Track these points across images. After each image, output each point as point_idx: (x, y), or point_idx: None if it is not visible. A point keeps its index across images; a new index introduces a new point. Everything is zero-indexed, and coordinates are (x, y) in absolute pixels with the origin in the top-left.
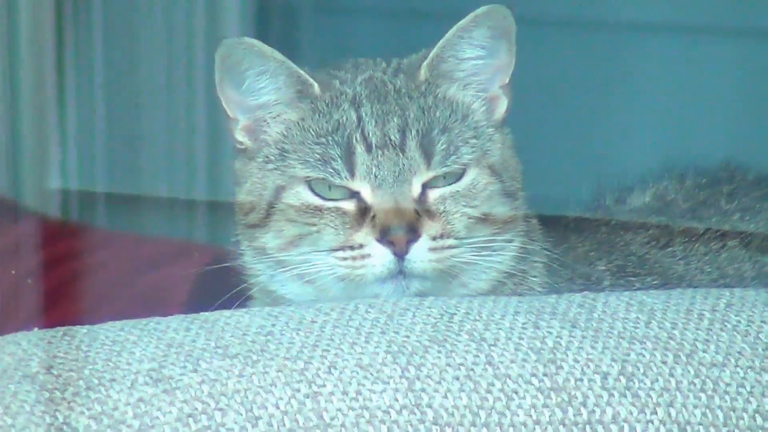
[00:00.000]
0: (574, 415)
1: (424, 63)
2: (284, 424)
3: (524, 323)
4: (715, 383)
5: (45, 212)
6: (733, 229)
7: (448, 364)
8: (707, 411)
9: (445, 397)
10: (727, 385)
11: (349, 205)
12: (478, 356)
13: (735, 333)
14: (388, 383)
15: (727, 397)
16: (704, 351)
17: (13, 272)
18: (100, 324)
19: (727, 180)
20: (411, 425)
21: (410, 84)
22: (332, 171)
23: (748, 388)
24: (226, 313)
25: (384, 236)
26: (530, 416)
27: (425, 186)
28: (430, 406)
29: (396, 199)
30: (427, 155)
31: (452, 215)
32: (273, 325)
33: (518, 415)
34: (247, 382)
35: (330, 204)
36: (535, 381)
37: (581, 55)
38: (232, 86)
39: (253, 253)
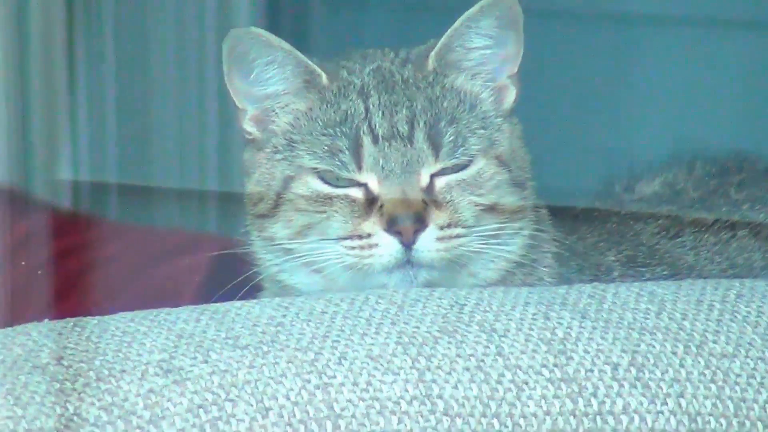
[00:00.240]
0: (584, 406)
1: (432, 53)
2: (294, 415)
3: (534, 314)
4: (726, 374)
5: (56, 204)
6: (743, 219)
7: (459, 355)
8: (717, 402)
9: (456, 387)
10: (738, 375)
11: (358, 193)
12: (488, 347)
13: (745, 324)
14: (399, 374)
15: (737, 388)
16: (714, 342)
17: (24, 263)
18: (110, 315)
19: (736, 170)
20: (421, 416)
21: (418, 74)
22: (339, 163)
23: (759, 379)
24: (237, 303)
25: (391, 226)
26: (540, 407)
27: (432, 175)
28: (440, 396)
29: (403, 189)
30: (435, 147)
31: (459, 204)
32: (283, 316)
33: (528, 406)
34: (257, 373)
35: (339, 191)
36: (545, 372)
37: (590, 45)
38: (239, 77)
39: (263, 243)
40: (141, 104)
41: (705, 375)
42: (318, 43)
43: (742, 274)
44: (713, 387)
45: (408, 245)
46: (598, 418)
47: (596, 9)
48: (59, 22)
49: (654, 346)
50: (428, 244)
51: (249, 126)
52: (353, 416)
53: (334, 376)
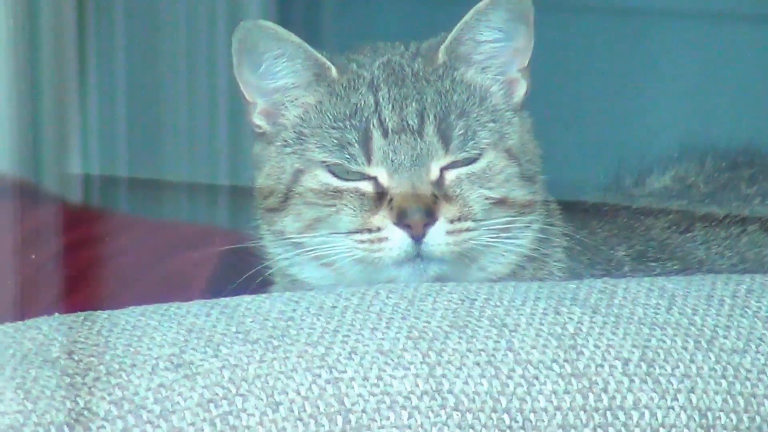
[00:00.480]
0: (594, 401)
1: (442, 46)
2: (305, 410)
3: (545, 309)
4: (736, 369)
5: (66, 197)
6: (753, 214)
7: (469, 350)
8: (728, 397)
9: (466, 382)
10: (748, 371)
11: (367, 187)
12: (498, 342)
13: (755, 319)
14: (409, 369)
15: (747, 383)
16: (725, 337)
17: (34, 257)
18: (120, 309)
19: (747, 164)
20: (432, 411)
21: (428, 67)
22: (348, 157)
23: None
24: (247, 298)
25: (401, 220)
26: (551, 402)
27: (442, 169)
28: (450, 391)
29: (413, 183)
30: (445, 140)
31: (469, 198)
32: (294, 311)
33: (539, 401)
34: (267, 367)
35: (348, 185)
36: (555, 367)
37: (601, 39)
38: (249, 70)
39: (273, 237)
40: (151, 97)
41: (715, 370)
42: (329, 37)
43: (753, 269)
44: (724, 382)
45: (418, 239)
46: (608, 413)
47: (607, 2)
48: (70, 15)
49: (665, 341)
50: (438, 237)
51: (259, 119)
52: (363, 411)
53: (345, 371)
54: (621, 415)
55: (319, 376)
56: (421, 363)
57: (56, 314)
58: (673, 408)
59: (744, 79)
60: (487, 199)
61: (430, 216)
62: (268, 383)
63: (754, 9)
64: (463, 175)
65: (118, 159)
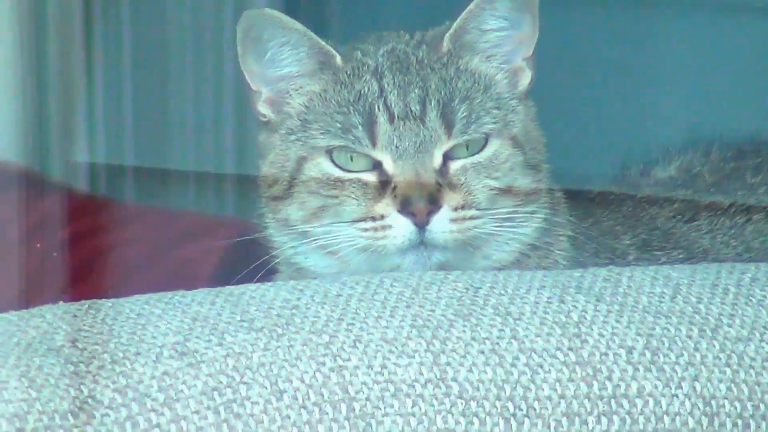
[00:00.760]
0: (599, 389)
1: (447, 34)
2: (309, 398)
3: (549, 297)
4: (740, 358)
5: (72, 186)
6: (758, 203)
7: (474, 338)
8: (732, 385)
9: (470, 371)
10: (752, 359)
11: (370, 177)
12: (503, 330)
13: (760, 308)
14: (414, 357)
15: (752, 372)
16: (729, 325)
17: (39, 246)
18: (125, 298)
19: (752, 154)
20: (436, 399)
21: (432, 55)
22: (353, 138)
23: None
24: (252, 286)
25: (405, 207)
26: (555, 390)
27: (447, 157)
28: (455, 380)
29: (417, 171)
30: (448, 124)
31: (474, 186)
32: (298, 299)
33: (543, 389)
34: (272, 355)
35: (351, 176)
36: (560, 355)
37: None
38: (254, 58)
39: (277, 225)
40: (158, 87)
41: (720, 359)
42: (334, 26)
43: (758, 258)
44: (728, 371)
45: (421, 226)
46: (612, 401)
47: None
48: (77, 4)
49: (669, 330)
50: (442, 225)
51: (264, 108)
52: (368, 399)
53: (349, 359)
54: (625, 403)
55: (324, 364)
56: (426, 351)
57: (61, 302)
58: (677, 396)
59: (750, 69)
60: (491, 188)
61: (434, 204)
62: (272, 371)
63: (760, 1)
64: (469, 164)
65: (125, 148)
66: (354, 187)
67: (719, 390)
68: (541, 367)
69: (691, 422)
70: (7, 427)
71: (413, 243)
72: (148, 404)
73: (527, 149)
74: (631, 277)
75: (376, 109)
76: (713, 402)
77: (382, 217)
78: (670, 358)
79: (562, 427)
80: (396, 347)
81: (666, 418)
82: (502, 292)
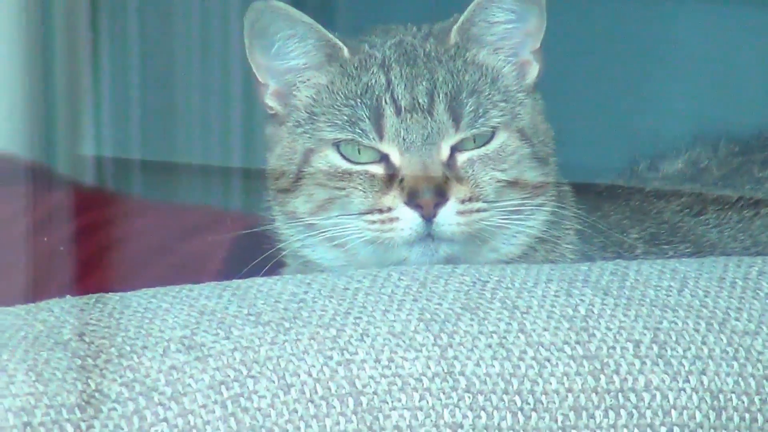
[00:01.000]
0: (606, 383)
1: (455, 27)
2: (316, 392)
3: (557, 291)
4: (747, 351)
5: (79, 179)
6: (766, 197)
7: (481, 332)
8: (739, 379)
9: (478, 364)
10: (760, 353)
11: (378, 169)
12: (510, 324)
13: (767, 301)
14: (421, 351)
15: (759, 365)
16: (736, 319)
17: (46, 239)
18: (132, 291)
19: (760, 148)
20: (443, 393)
21: (440, 48)
22: (360, 132)
23: None
24: (259, 280)
25: (412, 199)
26: (562, 384)
27: (454, 149)
28: (462, 373)
29: (424, 163)
30: (456, 117)
31: (481, 179)
32: (305, 293)
33: (551, 383)
34: (279, 349)
35: (358, 168)
36: (567, 349)
37: (615, 21)
38: (261, 51)
39: (285, 218)
40: (165, 80)
41: (727, 352)
42: (342, 18)
43: (766, 252)
44: (735, 364)
45: (429, 219)
46: (620, 395)
47: None
48: None
49: (676, 323)
50: (449, 217)
51: (271, 101)
52: (375, 393)
53: (356, 353)
54: (632, 396)
55: (331, 358)
56: (433, 345)
57: (68, 296)
58: (684, 390)
59: (759, 64)
60: (498, 181)
61: (441, 196)
62: (279, 365)
63: None
64: (475, 156)
65: (132, 141)
66: (361, 179)
67: (726, 384)
68: (549, 360)
69: (698, 416)
70: (14, 421)
71: (420, 235)
72: (155, 398)
73: (535, 142)
74: (638, 270)
75: (384, 102)
76: (720, 396)
77: (389, 209)
78: (677, 352)
79: (570, 420)
80: (403, 341)
81: (673, 412)
82: (510, 285)
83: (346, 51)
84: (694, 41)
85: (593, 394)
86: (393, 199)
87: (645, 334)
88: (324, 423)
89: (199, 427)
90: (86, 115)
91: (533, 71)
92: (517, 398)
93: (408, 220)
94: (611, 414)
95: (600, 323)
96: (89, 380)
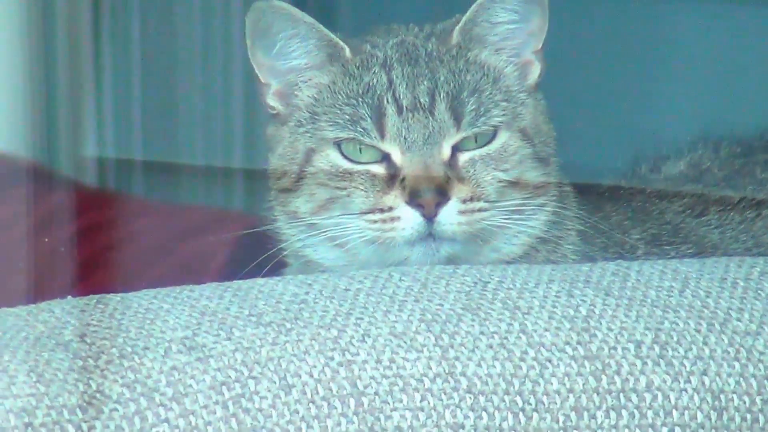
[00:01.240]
0: (607, 384)
1: (457, 27)
2: (318, 392)
3: (558, 291)
4: (749, 351)
5: (81, 180)
6: None
7: (482, 333)
8: (741, 379)
9: (479, 365)
10: (761, 353)
11: (379, 169)
12: (511, 324)
13: None
14: (422, 351)
15: (761, 366)
16: (738, 319)
17: (47, 240)
18: (133, 292)
19: (762, 149)
20: (444, 393)
21: (442, 48)
22: (362, 131)
23: None
24: (260, 281)
25: (413, 199)
26: (564, 384)
27: (455, 149)
28: (463, 374)
29: (425, 162)
30: (457, 117)
31: (482, 178)
32: (307, 293)
33: (552, 384)
34: (280, 350)
35: (359, 167)
36: (568, 349)
37: (617, 22)
38: (263, 51)
39: (286, 218)
40: (166, 80)
41: (728, 353)
42: (344, 18)
43: (767, 253)
44: (737, 365)
45: (430, 218)
46: (621, 395)
47: None
48: None
49: (677, 324)
50: (450, 217)
51: (272, 100)
52: (376, 393)
53: (357, 354)
54: (634, 397)
55: (332, 358)
56: (434, 346)
57: (69, 297)
58: (685, 390)
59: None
60: (500, 181)
61: (443, 195)
62: (280, 366)
63: None
64: (477, 156)
65: (133, 142)
66: (362, 178)
67: (728, 384)
68: (550, 361)
69: (699, 417)
70: (15, 422)
71: (422, 235)
72: (156, 399)
73: (536, 142)
74: (639, 271)
75: (385, 101)
76: (722, 396)
77: (391, 208)
78: (678, 353)
79: (571, 421)
80: (404, 342)
81: (675, 413)
82: (511, 286)
83: (347, 51)
84: (697, 42)
85: (594, 395)
86: (394, 198)
87: (646, 335)
88: (325, 424)
89: (200, 427)
90: (88, 116)
91: (535, 71)
92: (518, 399)
93: (409, 219)
94: (612, 414)
95: (601, 324)
96: (90, 381)
